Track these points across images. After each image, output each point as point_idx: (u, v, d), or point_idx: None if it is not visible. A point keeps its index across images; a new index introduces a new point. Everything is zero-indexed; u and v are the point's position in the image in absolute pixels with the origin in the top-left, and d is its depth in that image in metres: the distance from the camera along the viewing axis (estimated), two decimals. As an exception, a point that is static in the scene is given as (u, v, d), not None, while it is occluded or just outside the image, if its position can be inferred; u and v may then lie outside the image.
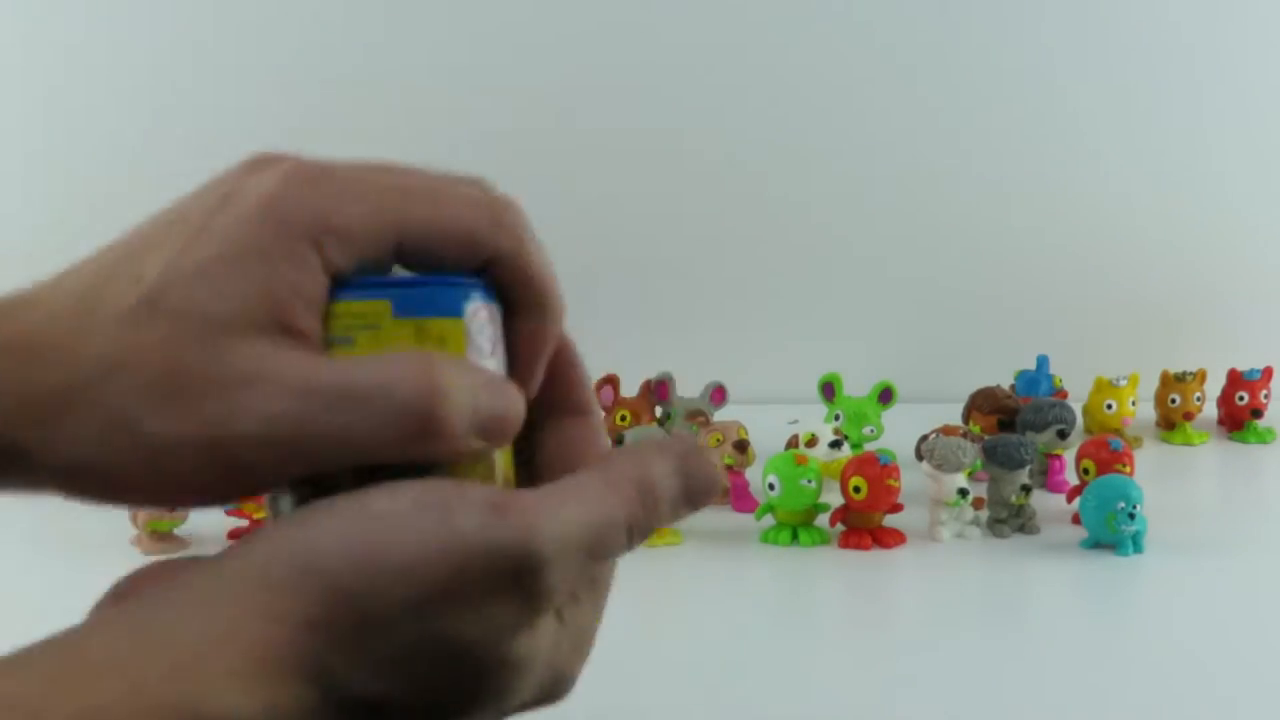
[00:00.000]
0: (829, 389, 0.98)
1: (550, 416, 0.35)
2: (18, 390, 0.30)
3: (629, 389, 1.00)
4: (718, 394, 1.00)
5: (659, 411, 0.99)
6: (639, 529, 0.31)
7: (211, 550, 0.30)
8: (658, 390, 0.99)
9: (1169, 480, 0.96)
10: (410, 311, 0.31)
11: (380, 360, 0.30)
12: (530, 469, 0.35)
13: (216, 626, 0.28)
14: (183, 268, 0.30)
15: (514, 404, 0.31)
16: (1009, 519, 0.82)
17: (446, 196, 0.32)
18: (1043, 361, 1.05)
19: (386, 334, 0.31)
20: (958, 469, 0.80)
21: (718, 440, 0.88)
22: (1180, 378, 1.05)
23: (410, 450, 0.30)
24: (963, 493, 0.80)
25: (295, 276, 0.30)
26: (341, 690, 0.28)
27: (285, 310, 0.30)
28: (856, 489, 0.79)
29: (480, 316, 0.32)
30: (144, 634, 0.27)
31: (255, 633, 0.27)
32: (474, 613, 0.29)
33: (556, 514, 0.30)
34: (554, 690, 0.32)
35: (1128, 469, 0.83)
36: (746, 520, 0.85)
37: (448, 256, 0.32)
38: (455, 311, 0.32)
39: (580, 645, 0.33)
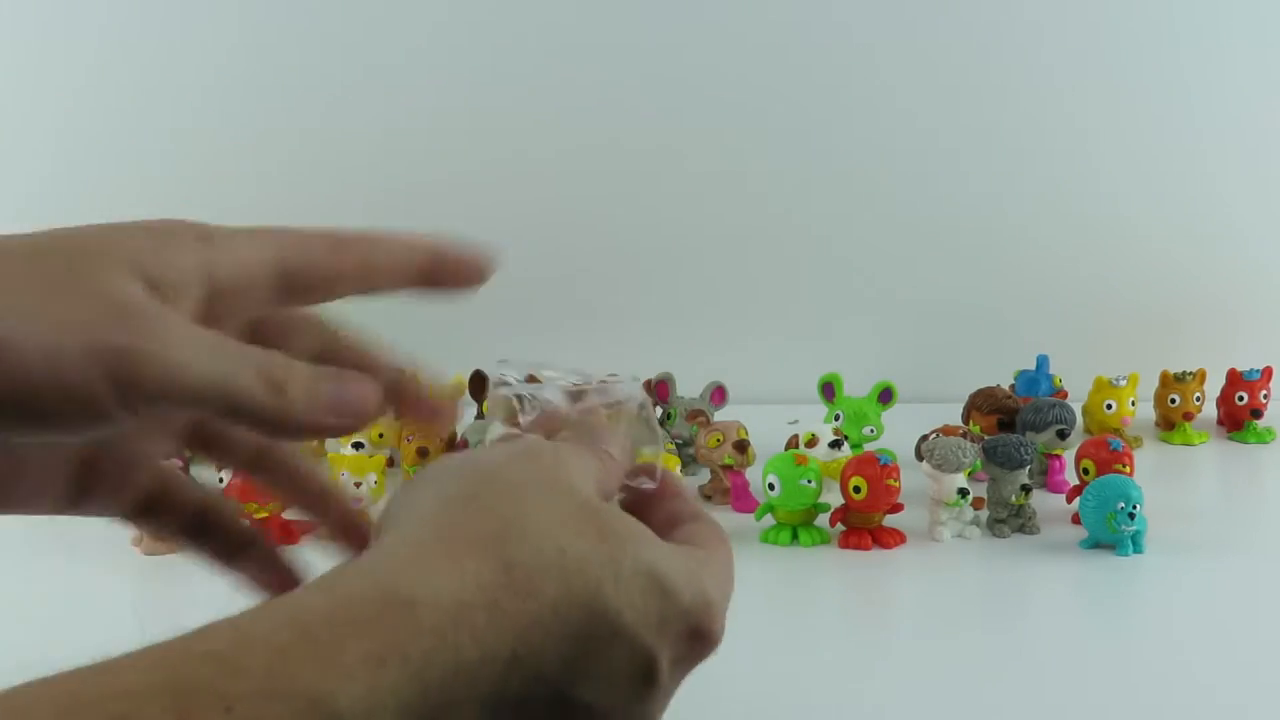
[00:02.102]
0: (829, 389, 0.98)
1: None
2: None
3: (629, 389, 0.99)
4: (718, 394, 1.00)
5: (659, 412, 0.99)
6: None
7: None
8: (658, 390, 0.99)
9: (1169, 480, 0.96)
10: None
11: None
12: None
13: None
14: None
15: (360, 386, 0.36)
16: (1009, 519, 0.82)
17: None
18: (1043, 361, 1.05)
19: None
20: (958, 469, 0.80)
21: (718, 440, 0.88)
22: (1180, 378, 1.05)
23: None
24: (963, 493, 0.80)
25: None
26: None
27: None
28: (856, 489, 0.79)
29: None
30: None
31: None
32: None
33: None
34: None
35: (1128, 469, 0.83)
36: (746, 520, 0.85)
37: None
38: None
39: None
